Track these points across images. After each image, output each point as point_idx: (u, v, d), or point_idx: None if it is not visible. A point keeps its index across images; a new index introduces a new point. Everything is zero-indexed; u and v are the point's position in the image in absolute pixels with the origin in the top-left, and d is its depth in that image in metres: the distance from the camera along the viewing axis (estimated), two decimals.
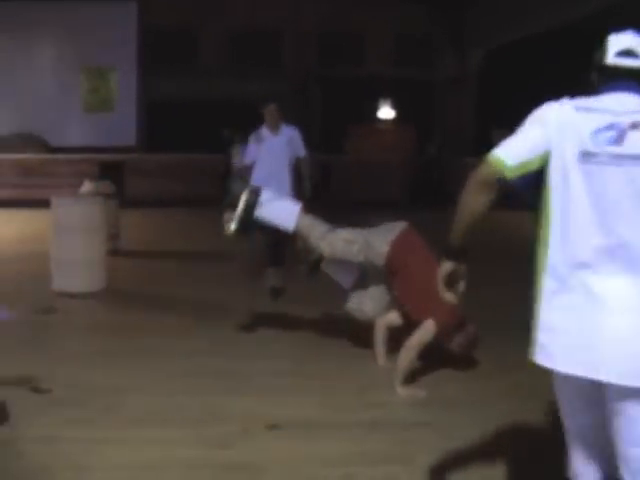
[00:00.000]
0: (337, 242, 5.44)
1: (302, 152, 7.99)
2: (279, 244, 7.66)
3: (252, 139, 7.94)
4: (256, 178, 7.70)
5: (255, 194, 5.60)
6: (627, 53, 2.73)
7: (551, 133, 2.64)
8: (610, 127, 2.59)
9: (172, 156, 17.72)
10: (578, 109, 2.67)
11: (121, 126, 19.81)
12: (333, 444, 4.24)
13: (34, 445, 4.08)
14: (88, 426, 4.36)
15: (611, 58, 2.74)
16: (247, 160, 7.95)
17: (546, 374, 5.44)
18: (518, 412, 4.82)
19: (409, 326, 5.35)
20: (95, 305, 7.60)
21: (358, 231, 5.50)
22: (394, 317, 5.55)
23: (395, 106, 22.61)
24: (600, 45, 2.80)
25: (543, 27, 18.02)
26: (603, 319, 2.50)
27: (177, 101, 20.52)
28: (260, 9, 21.05)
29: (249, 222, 5.65)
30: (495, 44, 20.57)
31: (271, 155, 7.77)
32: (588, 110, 2.65)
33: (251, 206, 5.57)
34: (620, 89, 2.69)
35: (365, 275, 5.66)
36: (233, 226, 5.69)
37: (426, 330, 5.07)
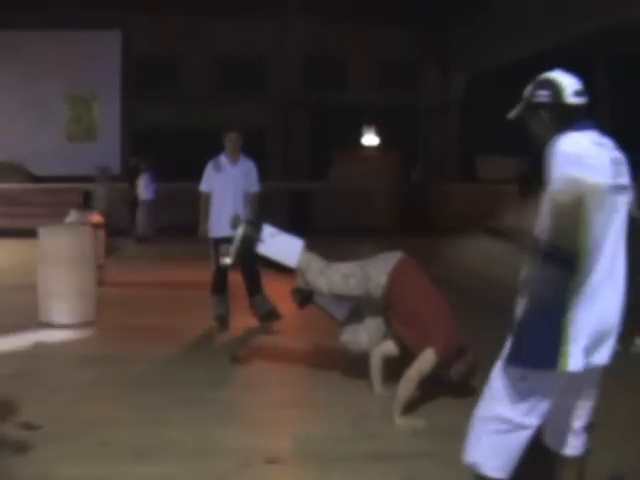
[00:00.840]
0: (335, 277, 5.35)
1: (256, 188, 7.87)
2: (253, 272, 7.62)
3: (209, 167, 7.78)
4: (214, 207, 7.65)
5: (254, 228, 5.52)
6: (581, 93, 3.04)
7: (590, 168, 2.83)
8: (614, 161, 2.93)
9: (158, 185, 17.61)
10: (594, 143, 2.89)
11: (105, 155, 19.65)
12: (334, 477, 4.14)
13: None
14: (81, 462, 4.23)
15: (570, 97, 3.03)
16: (204, 188, 7.78)
17: None
18: None
19: (405, 355, 5.28)
20: (84, 336, 7.44)
21: (355, 264, 5.41)
22: (390, 347, 5.47)
23: (380, 132, 22.69)
24: (541, 85, 3.11)
25: (527, 53, 18.21)
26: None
27: (161, 129, 20.45)
28: (244, 36, 21.11)
29: (246, 255, 5.58)
30: (479, 70, 20.74)
31: (230, 186, 7.67)
32: (599, 145, 2.92)
33: (249, 240, 5.49)
34: (587, 127, 2.98)
35: (360, 307, 5.58)
36: (229, 260, 5.61)
37: (426, 360, 5.00)
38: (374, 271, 5.24)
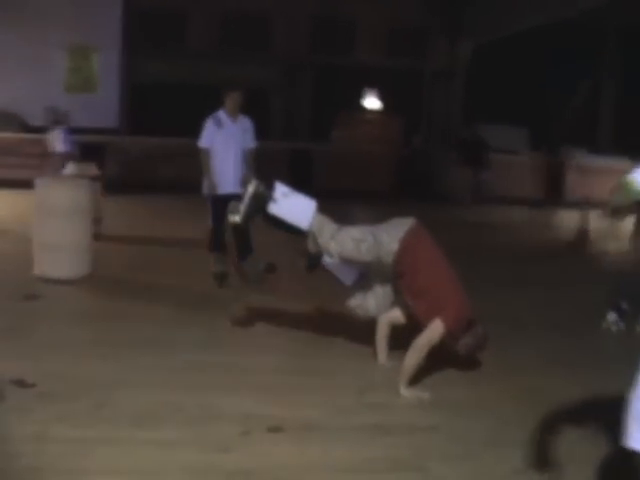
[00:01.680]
0: (347, 241, 5.18)
1: (253, 144, 7.84)
2: (243, 232, 7.56)
3: (210, 123, 7.68)
4: (215, 164, 7.59)
5: (266, 186, 5.34)
6: None
7: None
8: None
9: (156, 139, 17.33)
10: None
11: (104, 108, 19.27)
12: (339, 449, 4.02)
13: (22, 445, 3.81)
14: (79, 424, 4.10)
15: None
16: (205, 144, 7.69)
17: (551, 377, 5.33)
18: (526, 416, 4.64)
19: (412, 325, 5.15)
20: (81, 292, 7.26)
21: (366, 228, 5.23)
22: (398, 315, 5.33)
23: (384, 96, 22.37)
24: None
25: (536, 23, 17.89)
26: None
27: (163, 84, 20.06)
28: None
29: (255, 215, 5.40)
30: (486, 38, 20.40)
31: (231, 142, 7.63)
32: None
33: (261, 199, 5.31)
34: None
35: (369, 273, 5.43)
36: (238, 218, 5.43)
37: (434, 330, 4.86)
38: (386, 237, 5.06)
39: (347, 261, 5.33)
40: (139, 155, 16.82)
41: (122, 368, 5.04)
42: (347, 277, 5.51)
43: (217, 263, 7.78)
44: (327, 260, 5.45)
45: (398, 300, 5.26)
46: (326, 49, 21.75)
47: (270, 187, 5.35)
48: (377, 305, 5.34)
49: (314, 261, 5.49)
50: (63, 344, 5.53)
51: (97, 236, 9.21)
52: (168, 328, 6.11)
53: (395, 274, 5.12)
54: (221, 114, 7.71)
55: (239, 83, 8.07)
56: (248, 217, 5.42)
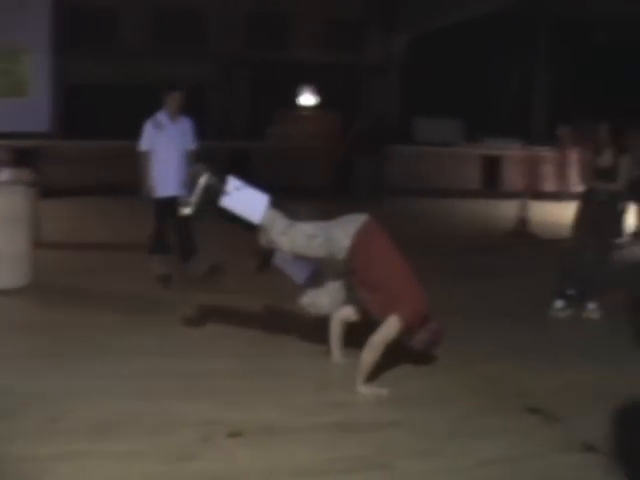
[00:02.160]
0: (298, 237, 5.12)
1: (194, 145, 7.75)
2: (187, 232, 7.55)
3: (149, 126, 7.56)
4: (156, 167, 7.48)
5: (218, 179, 5.23)
6: None
7: None
8: None
9: (91, 142, 16.96)
10: None
11: (35, 111, 18.71)
12: (303, 450, 3.97)
13: None
14: (34, 440, 3.93)
15: None
16: (145, 147, 7.56)
17: (506, 366, 5.38)
18: (486, 406, 4.68)
19: (366, 321, 5.12)
20: (22, 302, 7.02)
21: (319, 224, 5.18)
22: (351, 312, 5.29)
23: (321, 92, 22.36)
24: None
25: (470, 15, 18.13)
26: None
27: (96, 84, 19.68)
28: None
29: (206, 207, 5.29)
30: (421, 31, 20.59)
31: (171, 144, 7.52)
32: None
33: (212, 192, 5.20)
34: None
35: (322, 270, 5.38)
36: (188, 210, 5.32)
37: (390, 327, 4.83)
38: (338, 232, 5.02)
39: (299, 257, 5.28)
40: (74, 159, 16.43)
41: (73, 378, 4.88)
42: (299, 275, 5.45)
43: (160, 265, 7.67)
44: (278, 259, 5.39)
45: (351, 296, 5.23)
46: (262, 45, 21.62)
47: (222, 180, 5.25)
48: (330, 302, 5.30)
49: (264, 260, 5.42)
50: (7, 357, 5.32)
51: (35, 243, 8.94)
52: (117, 335, 5.95)
53: (348, 270, 5.08)
54: (161, 115, 7.58)
55: (180, 83, 7.94)
56: (199, 209, 5.31)
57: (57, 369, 5.06)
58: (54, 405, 4.39)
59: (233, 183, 5.23)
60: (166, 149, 7.50)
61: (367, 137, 19.16)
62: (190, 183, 5.32)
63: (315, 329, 5.78)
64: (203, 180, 5.22)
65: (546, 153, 18.90)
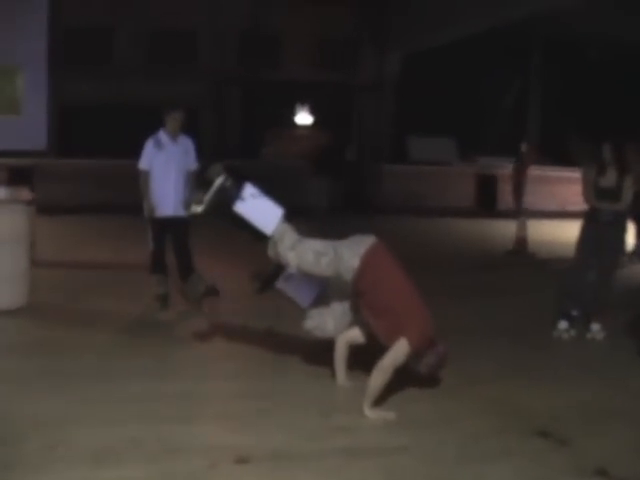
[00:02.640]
0: (307, 253, 5.03)
1: (194, 165, 7.64)
2: (185, 251, 7.48)
3: (149, 144, 7.47)
4: (155, 186, 7.39)
5: (234, 183, 5.15)
6: None
7: None
8: None
9: (86, 161, 16.92)
10: None
11: (30, 129, 18.68)
12: (311, 477, 3.87)
13: None
14: (32, 469, 3.80)
15: None
16: (144, 166, 7.47)
17: (512, 387, 5.30)
18: (495, 428, 4.60)
19: (371, 344, 5.04)
20: (20, 322, 6.89)
21: (328, 242, 5.09)
22: (356, 334, 5.20)
23: (314, 110, 22.37)
24: None
25: (464, 35, 18.17)
26: None
27: (91, 104, 19.63)
28: (177, 8, 20.36)
29: (217, 208, 5.20)
30: (414, 50, 20.63)
31: (171, 163, 7.43)
32: None
33: (226, 194, 5.11)
34: None
35: (325, 292, 5.29)
36: (200, 209, 5.22)
37: (399, 350, 4.75)
38: (347, 252, 4.94)
39: (303, 280, 5.19)
40: (70, 177, 16.38)
41: (71, 402, 4.76)
42: (302, 299, 5.35)
43: (159, 285, 7.56)
44: (281, 282, 5.30)
45: (357, 319, 5.14)
46: (254, 63, 21.61)
47: (237, 184, 5.17)
48: (335, 325, 5.21)
49: (266, 284, 5.33)
50: (3, 380, 5.20)
51: (32, 263, 8.83)
52: (115, 357, 5.85)
53: (355, 292, 4.99)
54: (161, 135, 7.51)
55: (170, 101, 7.87)
56: (210, 209, 5.22)
57: (56, 392, 4.94)
58: (52, 431, 4.26)
59: (250, 190, 5.14)
60: (166, 169, 7.43)
61: (327, 153, 19.14)
62: (205, 182, 5.23)
63: (318, 351, 5.70)
64: (219, 181, 5.14)
65: (541, 172, 18.94)
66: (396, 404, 4.88)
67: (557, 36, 22.02)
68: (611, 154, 6.83)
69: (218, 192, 5.15)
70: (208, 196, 5.19)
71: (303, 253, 5.02)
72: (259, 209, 5.14)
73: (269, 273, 5.34)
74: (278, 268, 5.24)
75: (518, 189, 14.00)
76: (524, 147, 15.14)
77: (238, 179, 5.23)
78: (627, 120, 19.49)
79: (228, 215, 5.20)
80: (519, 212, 14.20)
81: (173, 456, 4.00)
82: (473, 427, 4.62)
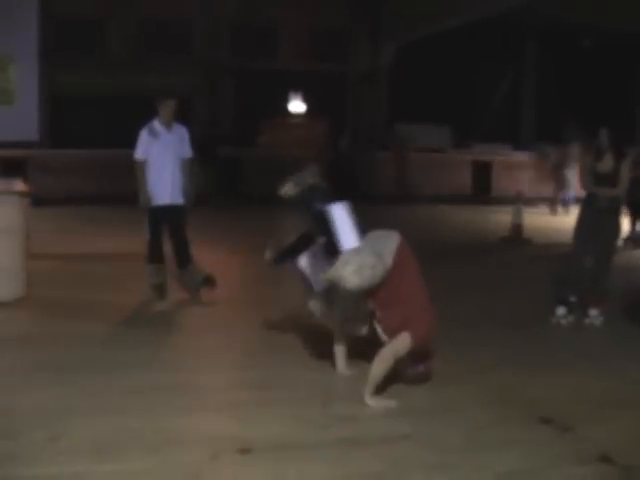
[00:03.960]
0: (366, 273, 4.75)
1: (189, 153, 7.62)
2: (183, 240, 7.48)
3: (144, 134, 7.43)
4: (151, 176, 7.37)
5: (323, 188, 5.11)
6: None
7: None
8: None
9: (80, 152, 16.82)
10: None
11: (22, 120, 18.54)
12: (315, 467, 3.83)
13: None
14: (34, 462, 3.76)
15: None
16: (140, 156, 7.43)
17: (515, 375, 5.29)
18: (499, 417, 4.58)
19: (373, 335, 5.00)
20: (17, 314, 6.85)
21: (370, 249, 4.85)
22: (357, 325, 5.15)
23: (309, 100, 22.29)
24: None
25: (457, 23, 18.11)
26: None
27: (83, 94, 19.50)
28: None
29: (298, 199, 5.14)
30: (408, 39, 20.56)
31: (167, 152, 7.42)
32: None
33: (312, 193, 5.08)
34: None
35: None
36: (287, 190, 5.16)
37: (402, 342, 4.71)
38: (385, 251, 4.86)
39: (320, 262, 5.11)
40: (64, 168, 16.29)
41: (71, 394, 4.72)
42: (318, 281, 5.25)
43: (155, 275, 7.53)
44: (302, 262, 5.22)
45: (362, 310, 5.07)
46: (248, 54, 21.50)
47: (324, 191, 5.12)
48: (341, 310, 5.12)
49: (282, 256, 5.27)
50: (3, 372, 5.17)
51: (28, 255, 8.78)
52: (113, 348, 5.82)
53: (376, 287, 4.90)
54: (156, 124, 7.47)
55: (164, 91, 7.83)
56: (294, 196, 5.13)
57: (53, 385, 4.90)
58: (53, 423, 4.22)
59: (339, 213, 5.01)
60: (161, 157, 7.39)
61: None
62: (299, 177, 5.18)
63: (317, 340, 5.68)
64: (311, 180, 5.10)
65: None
66: (397, 393, 4.86)
67: (550, 25, 21.97)
68: (608, 140, 6.80)
69: (308, 188, 5.10)
70: (298, 186, 5.13)
71: (363, 273, 4.77)
72: (347, 224, 5.01)
73: (286, 246, 5.29)
74: (296, 243, 5.19)
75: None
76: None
77: (323, 190, 5.17)
78: (619, 107, 19.53)
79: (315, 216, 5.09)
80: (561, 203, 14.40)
81: (174, 448, 3.96)
82: (475, 415, 4.60)
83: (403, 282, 4.83)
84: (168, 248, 7.57)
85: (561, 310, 6.97)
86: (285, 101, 22.21)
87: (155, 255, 7.53)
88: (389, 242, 4.91)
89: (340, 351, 5.27)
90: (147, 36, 20.56)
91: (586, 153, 7.07)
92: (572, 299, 6.96)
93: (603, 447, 4.15)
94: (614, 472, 3.89)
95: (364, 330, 5.10)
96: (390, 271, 4.79)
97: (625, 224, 10.78)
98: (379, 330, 4.89)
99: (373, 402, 4.71)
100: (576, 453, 4.11)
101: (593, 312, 6.96)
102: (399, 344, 4.72)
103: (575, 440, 4.30)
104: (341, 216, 5.00)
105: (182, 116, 7.73)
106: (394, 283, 4.81)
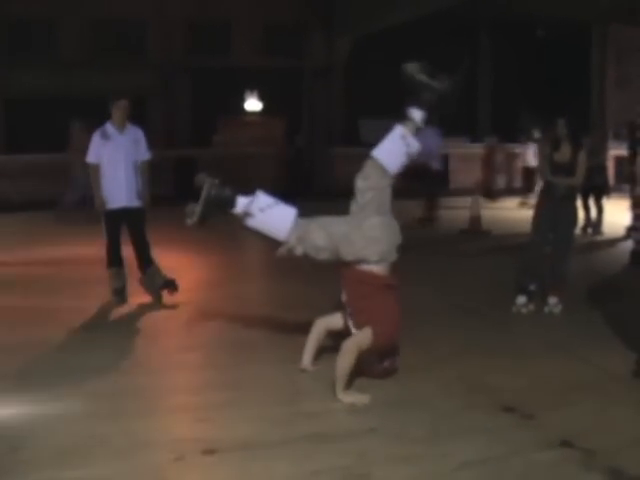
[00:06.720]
0: (312, 245, 4.96)
1: (146, 155, 7.56)
2: (143, 242, 7.44)
3: (96, 137, 7.36)
4: (105, 178, 7.29)
5: (220, 189, 5.07)
6: None
7: None
8: None
9: (35, 156, 16.55)
10: None
11: None
12: (281, 465, 3.83)
13: None
14: None
15: None
16: (92, 160, 7.35)
17: (475, 365, 5.34)
18: (461, 406, 4.62)
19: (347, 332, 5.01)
20: None
21: (336, 225, 4.99)
22: (336, 320, 5.14)
23: (265, 97, 22.21)
24: None
25: (411, 16, 18.17)
26: None
27: (36, 97, 19.17)
28: None
29: (210, 215, 5.11)
30: (363, 32, 20.57)
31: (120, 154, 7.34)
32: None
33: (215, 203, 5.05)
34: None
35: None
36: (190, 221, 5.12)
37: (365, 336, 4.74)
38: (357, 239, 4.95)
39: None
40: (18, 173, 16.03)
41: (32, 402, 4.64)
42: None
43: (115, 279, 7.45)
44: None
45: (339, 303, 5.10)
46: (203, 51, 21.33)
47: (224, 188, 5.09)
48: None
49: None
50: None
51: None
52: (74, 353, 5.76)
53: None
54: (108, 126, 7.38)
55: (117, 91, 7.73)
56: (202, 219, 5.12)
57: (15, 392, 4.82)
58: (14, 432, 4.15)
59: (258, 204, 5.04)
60: (114, 160, 7.31)
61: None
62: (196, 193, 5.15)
63: (281, 337, 5.68)
64: (204, 192, 5.06)
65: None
66: (363, 387, 4.87)
67: (504, 16, 22.20)
68: (565, 129, 6.90)
69: (206, 203, 5.08)
70: (198, 207, 5.11)
71: (309, 246, 4.97)
72: (269, 220, 5.05)
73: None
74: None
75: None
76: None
77: (220, 183, 5.14)
78: (573, 97, 19.80)
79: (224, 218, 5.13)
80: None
81: (138, 451, 3.93)
82: (440, 406, 4.64)
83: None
84: (129, 251, 7.50)
85: (521, 299, 7.06)
86: (242, 98, 22.11)
87: (114, 259, 7.45)
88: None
89: (311, 346, 5.24)
90: (101, 36, 20.30)
91: (544, 143, 7.16)
92: (532, 287, 7.05)
93: (565, 432, 4.21)
94: (576, 456, 3.95)
95: (339, 324, 5.09)
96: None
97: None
98: (350, 324, 4.93)
99: (346, 397, 4.69)
100: (538, 439, 4.17)
101: (552, 300, 7.05)
102: (361, 337, 4.75)
103: (537, 426, 4.35)
104: (258, 222, 5.09)
105: (138, 116, 7.64)
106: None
